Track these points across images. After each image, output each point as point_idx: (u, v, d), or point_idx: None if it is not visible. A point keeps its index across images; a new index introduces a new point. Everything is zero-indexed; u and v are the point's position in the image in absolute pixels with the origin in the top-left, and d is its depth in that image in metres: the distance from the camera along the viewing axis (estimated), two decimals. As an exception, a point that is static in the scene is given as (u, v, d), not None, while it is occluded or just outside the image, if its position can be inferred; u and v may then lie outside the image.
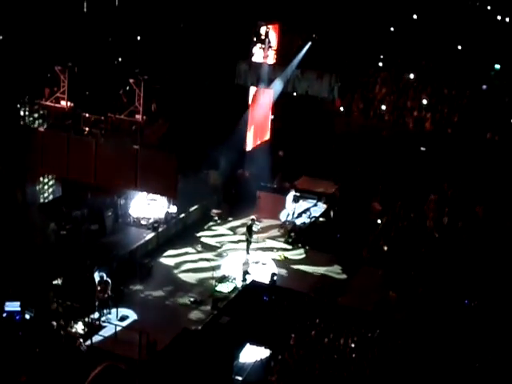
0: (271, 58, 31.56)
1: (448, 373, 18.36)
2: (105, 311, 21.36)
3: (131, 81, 23.49)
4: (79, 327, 20.33)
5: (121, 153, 22.60)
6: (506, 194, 28.49)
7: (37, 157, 23.15)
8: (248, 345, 20.21)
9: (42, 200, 25.24)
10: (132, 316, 21.65)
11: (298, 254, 26.83)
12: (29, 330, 19.38)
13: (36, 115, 24.60)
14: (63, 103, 23.83)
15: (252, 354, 20.05)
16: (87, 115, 23.99)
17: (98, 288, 21.32)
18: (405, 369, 18.62)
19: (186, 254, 26.27)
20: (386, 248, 25.98)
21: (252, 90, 31.61)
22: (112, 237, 25.70)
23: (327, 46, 31.91)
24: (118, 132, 23.54)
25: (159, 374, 18.20)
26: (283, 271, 25.23)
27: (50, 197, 25.74)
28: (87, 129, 23.83)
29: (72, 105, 23.80)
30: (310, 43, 31.30)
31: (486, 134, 30.93)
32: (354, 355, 18.99)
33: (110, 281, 21.50)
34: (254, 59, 31.13)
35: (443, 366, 18.67)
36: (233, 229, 28.46)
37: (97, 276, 21.55)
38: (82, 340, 19.44)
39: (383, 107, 33.32)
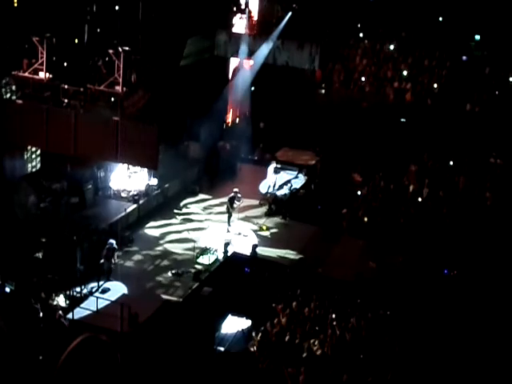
0: (251, 29, 31.34)
1: (428, 341, 18.59)
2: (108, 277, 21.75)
3: (110, 52, 23.25)
4: (60, 300, 20.31)
5: (101, 124, 22.44)
6: (485, 164, 28.68)
7: (15, 129, 22.92)
8: (230, 315, 20.32)
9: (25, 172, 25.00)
10: (113, 289, 21.64)
11: (278, 225, 26.89)
12: (9, 303, 19.33)
13: (13, 87, 24.30)
14: (42, 75, 23.57)
15: (234, 324, 20.17)
16: (66, 87, 23.76)
17: (105, 254, 21.68)
18: (386, 338, 18.81)
19: (167, 226, 26.23)
20: (366, 219, 26.11)
21: (232, 61, 31.43)
22: (92, 209, 25.58)
23: (308, 16, 31.70)
24: (97, 103, 23.36)
25: (141, 346, 18.25)
26: (264, 242, 25.28)
27: (33, 169, 25.52)
28: (66, 100, 23.61)
29: (51, 76, 23.55)
30: (290, 13, 31.11)
31: (466, 105, 31.02)
32: (334, 324, 19.14)
33: (116, 247, 21.92)
34: (234, 30, 30.93)
35: (423, 334, 18.90)
36: (214, 201, 28.42)
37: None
38: (61, 312, 19.39)
39: (363, 78, 33.28)
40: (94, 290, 21.32)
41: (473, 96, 31.09)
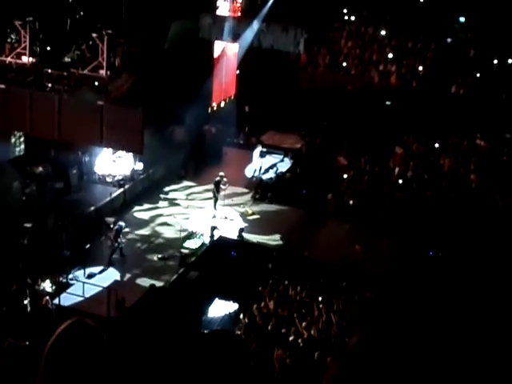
0: (236, 11, 31.15)
1: (413, 323, 18.69)
2: (114, 257, 22.20)
3: (94, 35, 23.06)
4: (47, 286, 20.25)
5: (85, 109, 22.28)
6: (470, 146, 28.80)
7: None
8: (216, 299, 20.35)
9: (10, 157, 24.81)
10: (99, 274, 21.61)
11: (264, 209, 26.90)
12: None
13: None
14: (25, 59, 23.36)
15: (220, 308, 20.21)
16: (50, 71, 23.56)
17: (111, 236, 22.19)
18: (371, 320, 18.92)
19: (153, 210, 26.16)
20: (351, 202, 26.16)
21: (217, 44, 31.25)
22: (77, 194, 25.48)
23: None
24: (81, 88, 23.19)
25: (128, 330, 18.25)
26: (250, 226, 25.29)
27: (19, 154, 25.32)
28: (50, 85, 23.41)
29: (34, 60, 23.34)
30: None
31: (451, 87, 31.08)
32: (321, 307, 19.21)
33: (123, 229, 22.51)
34: (218, 13, 30.73)
35: (408, 317, 19.00)
36: (200, 185, 28.34)
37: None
38: (48, 298, 19.34)
39: (348, 62, 33.22)
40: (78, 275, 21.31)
41: (457, 78, 31.15)
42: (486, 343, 17.66)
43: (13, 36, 24.67)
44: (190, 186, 28.36)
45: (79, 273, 21.40)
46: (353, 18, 34.56)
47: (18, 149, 25.31)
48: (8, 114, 22.67)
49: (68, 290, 20.29)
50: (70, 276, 21.06)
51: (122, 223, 22.72)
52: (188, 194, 27.70)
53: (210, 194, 26.59)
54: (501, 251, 22.23)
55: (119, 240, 22.40)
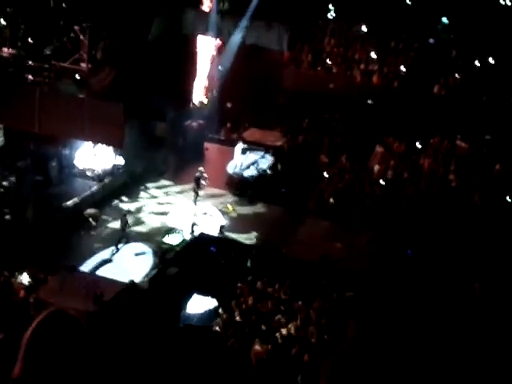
0: (220, 7, 31.06)
1: (393, 321, 18.78)
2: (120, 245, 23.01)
3: (76, 28, 22.93)
4: (24, 279, 20.09)
5: (66, 102, 22.17)
6: (451, 146, 28.96)
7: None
8: (195, 295, 20.32)
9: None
10: (78, 267, 21.50)
11: (244, 205, 26.89)
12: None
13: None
14: (5, 50, 23.16)
15: (199, 304, 20.18)
16: (30, 63, 23.38)
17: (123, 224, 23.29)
18: (350, 318, 18.97)
19: (133, 205, 26.07)
20: (332, 200, 26.23)
21: (200, 39, 31.18)
22: (57, 188, 25.31)
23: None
24: (62, 80, 23.05)
25: (106, 324, 18.16)
26: (230, 223, 25.28)
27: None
28: (31, 77, 23.24)
29: (14, 52, 23.15)
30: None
31: (433, 87, 31.21)
32: (299, 304, 19.25)
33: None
34: (202, 8, 30.66)
35: (388, 315, 19.09)
36: (180, 181, 28.25)
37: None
38: (25, 291, 19.19)
39: (331, 60, 33.23)
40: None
41: (439, 79, 31.29)
42: (464, 340, 17.81)
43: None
44: (170, 182, 28.26)
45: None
46: (336, 15, 34.54)
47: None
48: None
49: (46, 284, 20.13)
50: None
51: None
52: (168, 190, 27.61)
53: (190, 190, 26.52)
54: (479, 250, 22.43)
55: (126, 228, 23.33)
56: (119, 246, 23.16)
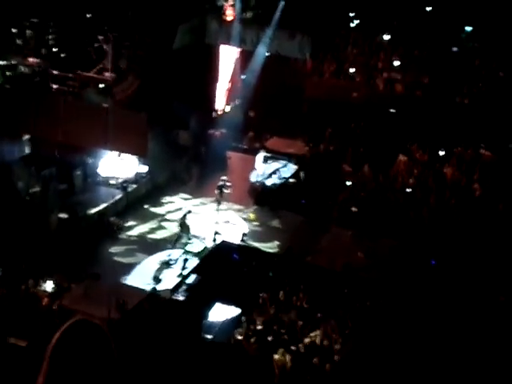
0: (243, 16, 31.20)
1: (415, 331, 18.68)
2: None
3: (100, 38, 23.14)
4: (48, 286, 20.24)
5: (90, 111, 22.36)
6: (474, 156, 28.79)
7: (3, 115, 22.77)
8: (217, 304, 20.33)
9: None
10: (102, 276, 21.59)
11: (267, 214, 26.88)
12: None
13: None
14: (31, 60, 23.43)
15: (221, 312, 20.18)
16: (55, 72, 23.62)
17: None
18: (373, 328, 18.89)
19: (156, 214, 26.19)
20: (355, 209, 26.15)
21: (223, 48, 31.31)
22: (81, 196, 25.49)
23: (299, 5, 31.58)
24: (86, 90, 23.25)
25: (129, 333, 18.23)
26: (253, 231, 25.29)
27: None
28: (55, 86, 23.47)
29: (40, 62, 23.42)
30: (283, 2, 30.96)
31: (456, 97, 31.05)
32: (322, 313, 19.20)
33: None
34: (225, 17, 30.79)
35: (411, 325, 18.99)
36: (202, 189, 28.33)
37: None
38: (49, 298, 19.33)
39: (354, 69, 33.20)
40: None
41: (463, 88, 31.13)
42: (485, 350, 17.65)
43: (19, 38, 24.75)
44: (193, 190, 28.34)
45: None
46: (359, 24, 34.52)
47: (23, 149, 25.35)
48: (14, 115, 22.73)
49: (69, 292, 20.25)
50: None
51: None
52: (190, 198, 27.68)
53: (213, 198, 26.56)
54: (502, 261, 22.23)
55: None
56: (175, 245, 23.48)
